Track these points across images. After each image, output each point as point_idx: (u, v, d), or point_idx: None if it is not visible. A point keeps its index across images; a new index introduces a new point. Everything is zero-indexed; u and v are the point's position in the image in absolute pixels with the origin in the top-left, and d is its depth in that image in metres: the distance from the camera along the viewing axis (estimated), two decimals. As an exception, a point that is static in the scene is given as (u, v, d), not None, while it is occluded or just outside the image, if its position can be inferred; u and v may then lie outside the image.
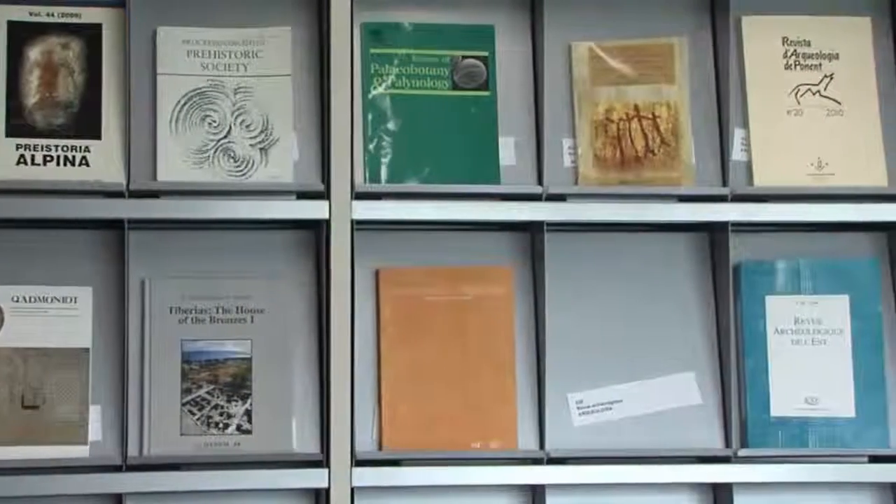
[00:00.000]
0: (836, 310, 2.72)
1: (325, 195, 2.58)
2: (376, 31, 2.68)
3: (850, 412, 2.69)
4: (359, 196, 2.59)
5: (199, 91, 2.61)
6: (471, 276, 2.68)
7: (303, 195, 2.59)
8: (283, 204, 2.58)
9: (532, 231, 2.72)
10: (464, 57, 2.71)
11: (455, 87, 2.70)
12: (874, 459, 2.69)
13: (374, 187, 2.64)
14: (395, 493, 2.63)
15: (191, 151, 2.60)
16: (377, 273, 2.68)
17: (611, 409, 2.71)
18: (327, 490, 2.53)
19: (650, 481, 2.65)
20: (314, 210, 2.57)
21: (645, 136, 2.72)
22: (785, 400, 2.70)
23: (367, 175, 2.66)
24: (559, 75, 2.74)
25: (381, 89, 2.68)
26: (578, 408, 2.71)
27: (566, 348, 2.70)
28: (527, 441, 2.66)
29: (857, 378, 2.70)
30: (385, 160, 2.66)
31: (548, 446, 2.64)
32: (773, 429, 2.69)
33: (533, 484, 2.66)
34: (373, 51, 2.68)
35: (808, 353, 2.72)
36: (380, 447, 2.62)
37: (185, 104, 2.61)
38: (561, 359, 2.69)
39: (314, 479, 2.54)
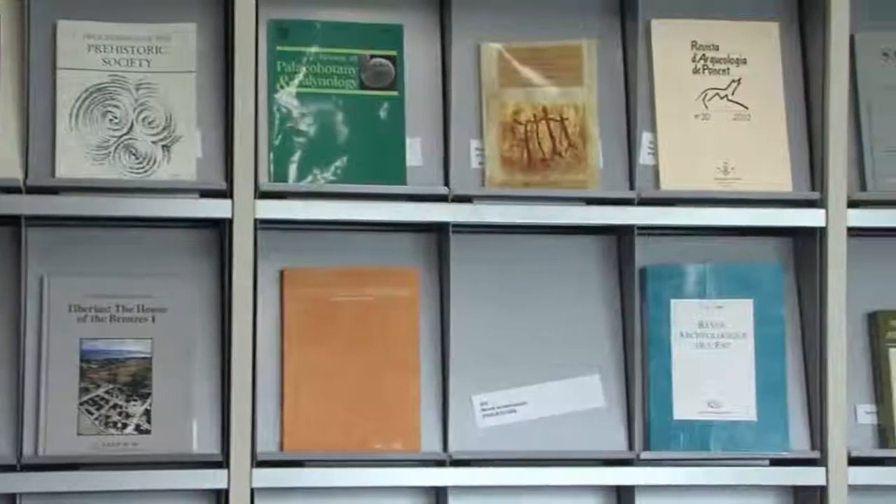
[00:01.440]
0: (739, 314, 2.71)
1: (227, 194, 2.53)
2: (283, 29, 2.64)
3: (751, 416, 2.68)
4: (263, 195, 2.55)
5: (100, 86, 2.55)
6: (376, 277, 2.64)
7: (205, 193, 2.54)
8: (186, 202, 2.53)
9: (438, 232, 2.68)
10: (372, 56, 2.66)
11: (363, 86, 2.65)
12: (775, 463, 2.68)
13: (279, 187, 2.59)
14: (296, 494, 2.59)
15: (91, 147, 2.54)
16: (282, 273, 2.63)
17: (515, 411, 2.68)
18: (226, 491, 2.48)
19: (553, 484, 2.63)
20: (216, 209, 2.52)
21: (552, 138, 2.69)
22: (687, 403, 2.68)
23: (273, 174, 2.61)
24: (468, 76, 2.70)
25: (287, 88, 2.63)
26: (483, 409, 2.67)
27: (471, 350, 2.67)
28: (430, 443, 2.63)
29: (758, 382, 2.69)
30: (291, 159, 2.61)
31: (451, 448, 2.60)
32: (675, 432, 2.67)
33: (435, 486, 2.63)
34: (279, 48, 2.63)
35: (712, 357, 2.70)
36: (281, 448, 2.58)
37: (85, 99, 2.54)
38: (466, 360, 2.66)
39: (213, 479, 2.49)
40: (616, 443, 2.69)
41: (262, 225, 2.57)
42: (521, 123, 2.69)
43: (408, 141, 2.66)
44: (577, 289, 2.74)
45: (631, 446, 2.68)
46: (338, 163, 2.62)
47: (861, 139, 2.78)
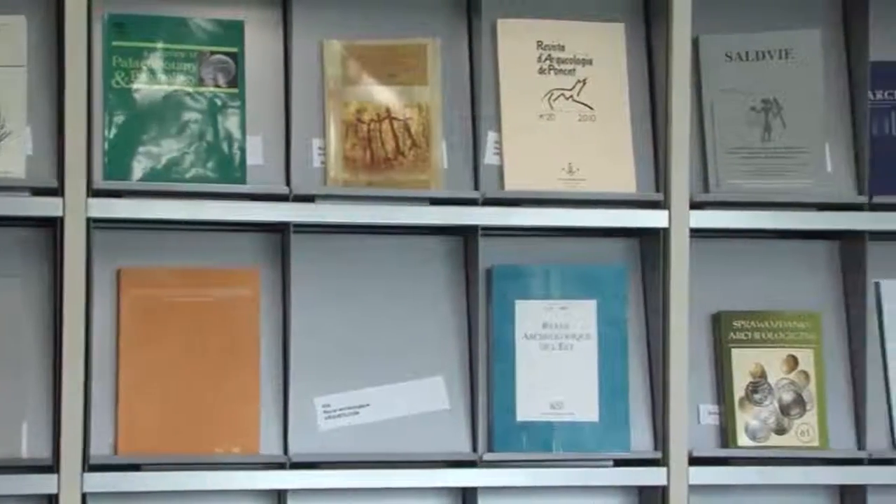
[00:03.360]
0: (583, 315, 2.67)
1: (59, 192, 2.44)
2: (120, 24, 2.54)
3: (593, 417, 2.65)
4: (95, 193, 2.46)
5: (-77, 81, 2.46)
6: (216, 278, 2.57)
7: (37, 191, 2.45)
8: (16, 200, 2.44)
9: (280, 232, 2.62)
10: (212, 53, 2.58)
11: (202, 83, 2.57)
12: (619, 463, 2.66)
13: (113, 185, 2.50)
14: (132, 498, 2.51)
15: (-85, 145, 2.45)
16: (118, 273, 2.54)
17: (358, 413, 2.62)
18: (57, 496, 2.40)
19: (396, 486, 2.58)
20: (47, 207, 2.43)
21: (396, 137, 2.64)
22: (530, 404, 2.64)
23: (107, 172, 2.52)
24: (310, 74, 2.64)
25: (123, 84, 2.54)
26: (325, 412, 2.61)
27: (314, 352, 2.60)
28: (270, 445, 2.56)
29: (601, 383, 2.66)
30: (126, 157, 2.52)
31: (291, 451, 2.54)
32: (517, 433, 2.63)
33: (276, 489, 2.56)
34: (115, 44, 2.54)
35: (555, 358, 2.66)
36: (116, 452, 2.49)
37: None
38: (308, 362, 2.60)
39: (43, 484, 2.40)
40: (459, 444, 2.64)
41: (99, 224, 2.49)
42: (364, 122, 2.63)
43: (248, 139, 2.59)
44: (423, 290, 2.68)
45: (474, 448, 2.64)
46: (176, 161, 2.54)
47: (705, 141, 2.78)
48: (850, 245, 2.79)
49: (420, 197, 2.62)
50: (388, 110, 2.64)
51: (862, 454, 2.70)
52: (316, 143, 2.64)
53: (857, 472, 2.69)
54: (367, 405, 2.63)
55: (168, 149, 2.55)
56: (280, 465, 2.53)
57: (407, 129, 2.64)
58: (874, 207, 2.72)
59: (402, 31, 2.68)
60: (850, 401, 2.77)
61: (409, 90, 2.65)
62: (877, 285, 2.80)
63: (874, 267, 2.77)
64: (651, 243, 2.72)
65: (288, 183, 2.59)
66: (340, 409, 2.62)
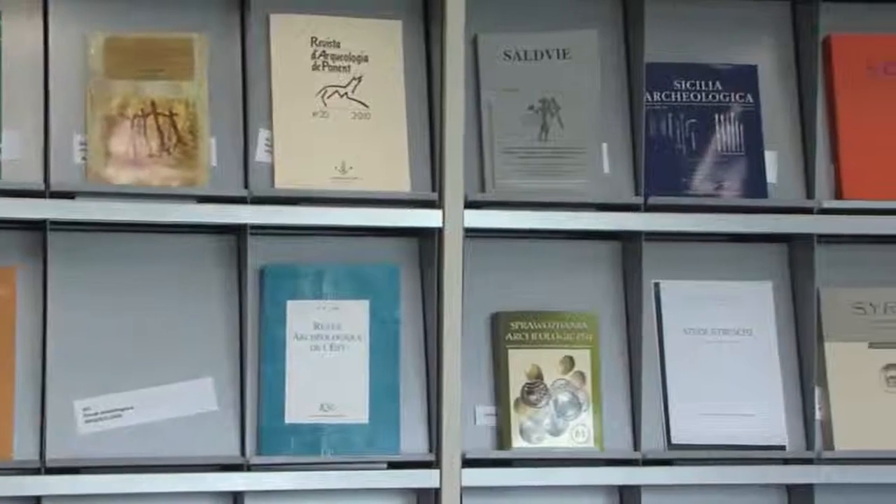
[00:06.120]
0: (355, 315, 2.59)
1: None
2: None
3: (363, 418, 2.56)
4: None
5: None
6: (-30, 276, 2.45)
7: None
8: None
9: (39, 230, 2.49)
10: (-33, 44, 2.46)
11: (-47, 75, 2.45)
12: (393, 465, 2.57)
13: None
14: None
15: None
16: None
17: (121, 416, 2.51)
18: None
19: (161, 491, 2.46)
20: None
21: (161, 133, 2.53)
22: (300, 406, 2.55)
23: None
24: (72, 67, 2.52)
25: None
26: (85, 415, 2.49)
27: (74, 353, 2.49)
28: (25, 450, 2.43)
29: (372, 384, 2.58)
30: None
31: (48, 455, 2.42)
32: (286, 436, 2.54)
33: (31, 495, 2.42)
34: None
35: (326, 359, 2.57)
36: None
37: None
38: (68, 364, 2.48)
39: None
40: (228, 447, 2.54)
41: None
42: (127, 118, 2.52)
43: (4, 133, 2.46)
44: (192, 289, 2.58)
45: (243, 451, 2.53)
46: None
47: (482, 140, 2.71)
48: (628, 246, 2.75)
49: (188, 195, 2.51)
50: (153, 105, 2.52)
51: (637, 455, 2.65)
52: (77, 138, 2.52)
53: (631, 472, 2.64)
54: (131, 408, 2.51)
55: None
56: (35, 471, 2.41)
57: (173, 125, 2.53)
58: (650, 208, 2.68)
59: (171, 24, 2.58)
60: (626, 401, 2.72)
61: (175, 85, 2.54)
62: (656, 286, 2.76)
63: (653, 267, 2.72)
64: (428, 243, 2.64)
65: (46, 179, 2.47)
66: (102, 413, 2.50)
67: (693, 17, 2.80)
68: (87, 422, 2.49)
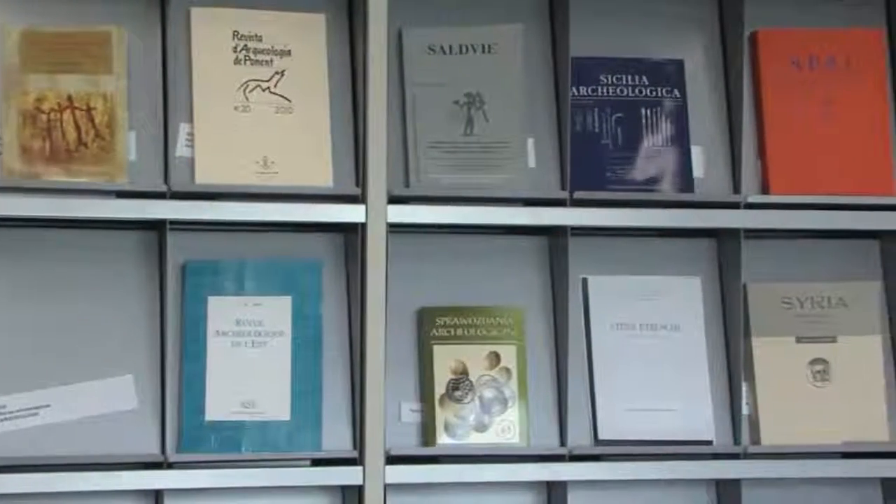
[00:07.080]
0: (278, 311, 2.56)
1: None
2: None
3: (285, 415, 2.53)
4: None
5: None
6: None
7: None
8: None
9: (-45, 225, 2.46)
10: None
11: None
12: (317, 463, 2.54)
13: None
14: None
15: None
16: None
17: (37, 413, 2.46)
18: None
19: (79, 490, 2.42)
20: None
21: (78, 128, 2.48)
22: (221, 403, 2.52)
23: None
24: (-13, 61, 2.49)
25: None
26: (0, 413, 2.45)
27: (-14, 349, 2.46)
28: (-69, 450, 2.40)
29: (294, 381, 2.54)
30: None
31: (-40, 455, 2.39)
32: (206, 433, 2.50)
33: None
34: None
35: (248, 356, 2.54)
36: None
37: None
38: (-18, 361, 2.45)
39: None
40: (147, 445, 2.50)
41: None
42: (44, 112, 2.47)
43: (-78, 129, 2.43)
44: (112, 285, 2.54)
45: (163, 449, 2.50)
46: None
47: (406, 135, 2.68)
48: (555, 241, 2.73)
49: (106, 190, 2.47)
50: (69, 99, 2.48)
51: (563, 451, 2.63)
52: (-8, 132, 2.48)
53: (558, 468, 2.62)
54: (48, 406, 2.47)
55: None
56: (-61, 472, 2.37)
57: (90, 119, 2.48)
58: (576, 203, 2.65)
59: (90, 17, 2.53)
60: (553, 397, 2.69)
61: (93, 79, 2.49)
62: (584, 281, 2.74)
63: (580, 262, 2.70)
64: (351, 238, 2.61)
65: (-40, 174, 2.43)
66: (17, 410, 2.45)
67: (619, 11, 2.79)
68: (3, 420, 2.44)
